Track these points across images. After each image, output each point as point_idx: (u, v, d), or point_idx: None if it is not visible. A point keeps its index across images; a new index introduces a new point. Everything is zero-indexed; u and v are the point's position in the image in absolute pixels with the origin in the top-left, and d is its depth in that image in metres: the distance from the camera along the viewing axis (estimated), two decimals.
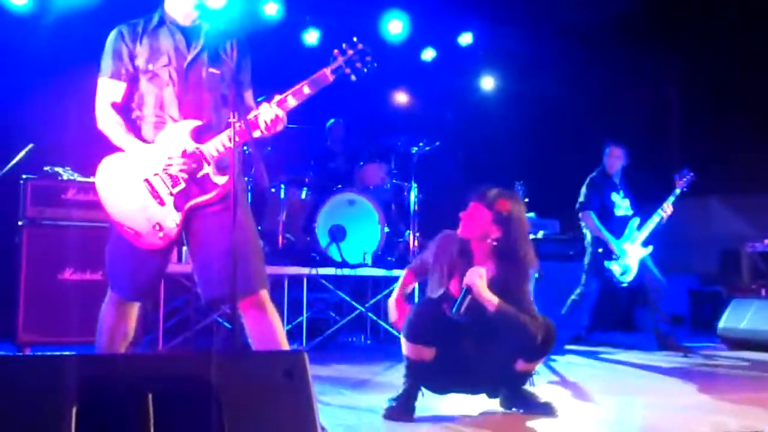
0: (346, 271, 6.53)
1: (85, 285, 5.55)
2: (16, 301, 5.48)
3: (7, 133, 6.55)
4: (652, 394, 4.78)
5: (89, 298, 5.23)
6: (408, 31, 9.19)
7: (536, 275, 4.09)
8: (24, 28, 7.20)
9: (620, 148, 7.03)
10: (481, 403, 4.13)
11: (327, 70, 3.36)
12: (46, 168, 5.77)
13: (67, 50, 6.73)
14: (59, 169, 5.78)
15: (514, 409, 4.04)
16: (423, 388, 3.96)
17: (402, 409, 3.86)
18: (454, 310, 3.76)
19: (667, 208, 6.76)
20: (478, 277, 3.80)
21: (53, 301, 5.50)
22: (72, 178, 5.74)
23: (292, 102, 3.31)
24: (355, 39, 3.43)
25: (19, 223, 5.58)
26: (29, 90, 6.93)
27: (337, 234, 6.61)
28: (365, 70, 3.42)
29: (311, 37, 8.92)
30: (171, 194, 3.29)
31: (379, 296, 6.83)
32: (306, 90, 3.32)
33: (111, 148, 3.37)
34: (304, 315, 6.38)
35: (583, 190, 6.99)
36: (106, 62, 3.38)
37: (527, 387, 4.05)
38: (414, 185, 7.16)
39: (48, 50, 6.90)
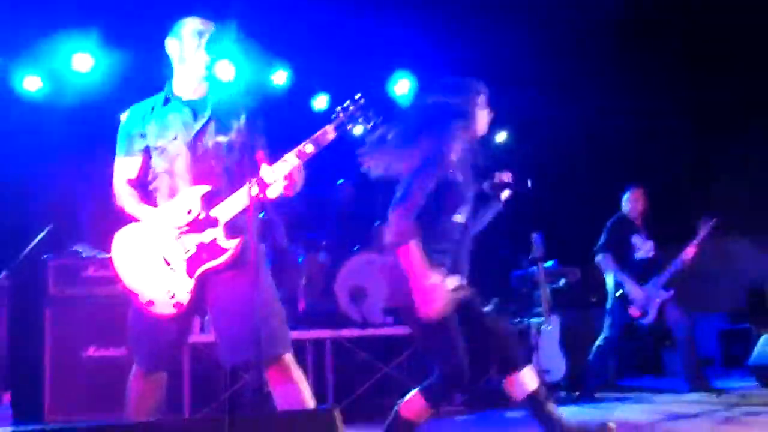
0: (369, 332, 6.49)
1: (109, 361, 5.56)
2: (41, 381, 5.48)
3: (26, 215, 6.64)
4: None
5: (114, 374, 5.27)
6: (416, 90, 9.28)
7: None
8: (39, 112, 7.33)
9: (640, 190, 7.07)
10: None
11: (329, 128, 3.39)
12: (69, 248, 5.83)
13: (79, 132, 6.85)
14: (78, 247, 5.82)
15: None
16: None
17: None
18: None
19: (687, 254, 6.70)
20: None
21: (78, 379, 5.51)
22: (92, 255, 5.79)
23: (294, 161, 3.31)
24: (357, 95, 3.47)
25: (42, 302, 5.62)
26: (45, 172, 7.04)
27: (358, 294, 6.59)
28: (368, 125, 3.45)
29: (320, 102, 9.01)
30: (183, 261, 3.30)
31: (404, 354, 6.76)
32: (309, 149, 3.34)
33: (126, 222, 3.41)
34: (330, 379, 6.32)
35: (603, 235, 6.99)
36: (120, 142, 3.51)
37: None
38: None
39: (62, 132, 7.02)
